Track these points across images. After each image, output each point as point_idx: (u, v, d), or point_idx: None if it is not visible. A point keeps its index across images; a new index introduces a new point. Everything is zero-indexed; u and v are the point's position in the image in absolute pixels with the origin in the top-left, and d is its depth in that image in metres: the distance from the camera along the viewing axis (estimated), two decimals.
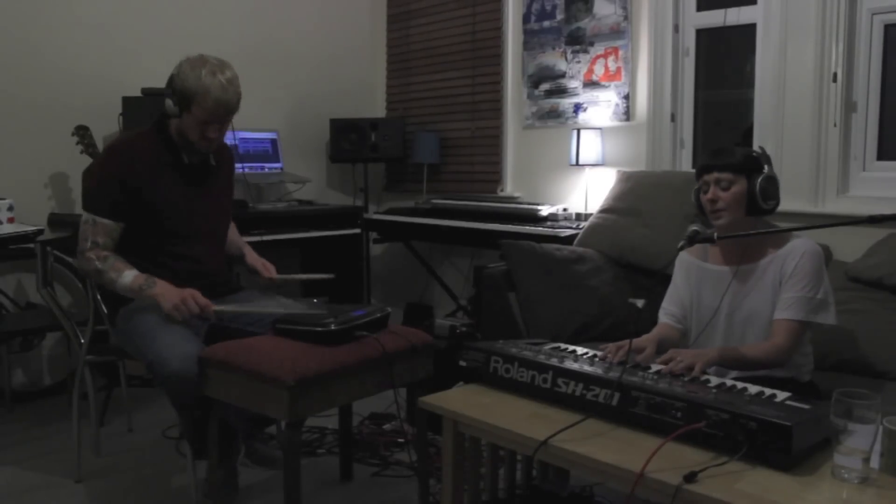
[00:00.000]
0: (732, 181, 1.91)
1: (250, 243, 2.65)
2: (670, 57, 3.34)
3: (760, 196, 1.90)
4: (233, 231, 2.60)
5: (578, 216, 3.53)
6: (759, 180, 1.90)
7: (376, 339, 2.11)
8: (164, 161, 2.26)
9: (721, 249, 2.01)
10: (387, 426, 2.97)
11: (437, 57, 4.36)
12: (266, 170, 4.04)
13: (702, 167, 1.97)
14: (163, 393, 2.13)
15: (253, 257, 2.54)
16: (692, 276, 2.07)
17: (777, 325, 1.88)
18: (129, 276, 2.16)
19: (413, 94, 4.54)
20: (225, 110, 2.20)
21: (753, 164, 1.93)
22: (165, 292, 2.11)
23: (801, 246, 1.91)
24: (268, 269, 2.48)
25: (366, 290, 4.36)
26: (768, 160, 1.96)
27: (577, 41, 3.68)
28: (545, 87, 3.83)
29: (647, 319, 2.14)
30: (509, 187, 4.09)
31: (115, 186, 2.19)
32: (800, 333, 1.88)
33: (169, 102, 2.20)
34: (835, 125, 2.84)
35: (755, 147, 2.17)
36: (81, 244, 2.20)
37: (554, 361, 1.68)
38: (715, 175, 1.92)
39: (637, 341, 1.83)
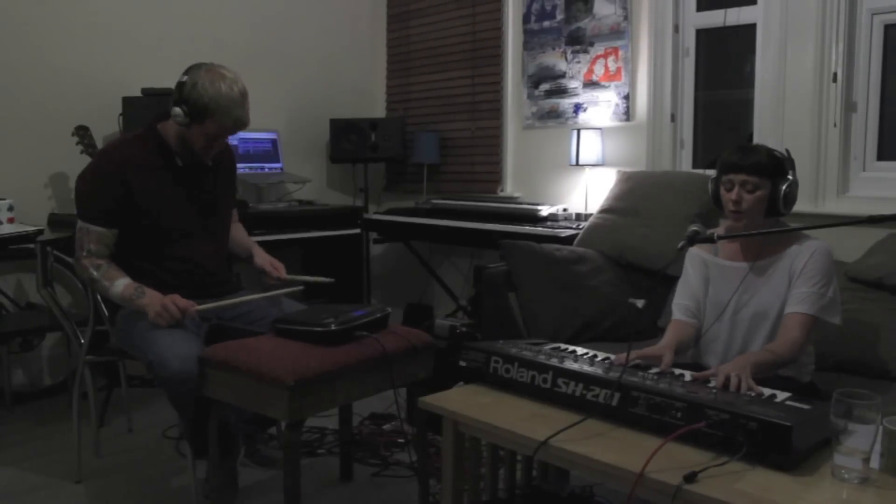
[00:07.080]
0: (758, 185, 1.88)
1: None
2: (670, 57, 3.34)
3: (783, 202, 1.89)
4: (241, 231, 2.59)
5: (578, 216, 3.53)
6: (784, 186, 1.89)
7: (376, 339, 2.11)
8: (156, 164, 2.25)
9: (732, 246, 2.02)
10: (387, 426, 2.96)
11: (437, 57, 4.36)
12: (266, 170, 4.04)
13: (729, 165, 1.92)
14: (163, 393, 2.13)
15: (262, 257, 2.49)
16: (704, 269, 2.06)
17: (791, 318, 1.86)
18: (120, 285, 2.15)
19: (413, 94, 4.53)
20: (240, 128, 2.20)
21: (779, 168, 1.91)
22: (150, 302, 2.11)
23: (812, 245, 1.91)
24: (276, 268, 2.44)
25: (366, 290, 4.36)
26: (792, 164, 1.93)
27: (577, 41, 3.68)
28: (545, 87, 3.83)
29: (648, 319, 2.14)
30: (509, 187, 4.09)
31: (107, 193, 2.18)
32: (812, 328, 1.88)
33: (178, 111, 2.14)
34: (835, 125, 2.84)
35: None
36: (77, 251, 2.21)
37: (554, 361, 1.68)
38: (743, 177, 1.89)
39: (654, 349, 1.80)
